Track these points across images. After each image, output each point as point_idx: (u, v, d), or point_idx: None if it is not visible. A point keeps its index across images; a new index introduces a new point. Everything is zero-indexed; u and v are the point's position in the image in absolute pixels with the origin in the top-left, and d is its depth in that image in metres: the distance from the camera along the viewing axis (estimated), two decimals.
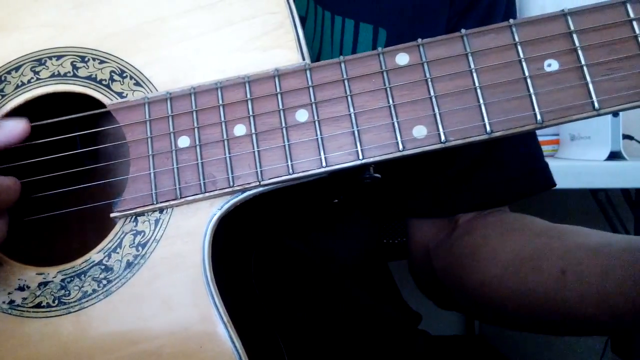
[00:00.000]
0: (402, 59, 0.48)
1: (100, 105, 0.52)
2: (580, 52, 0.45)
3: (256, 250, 0.61)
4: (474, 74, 0.47)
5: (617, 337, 1.55)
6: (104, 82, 0.52)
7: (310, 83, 0.49)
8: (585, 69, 0.45)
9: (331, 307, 0.69)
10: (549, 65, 0.46)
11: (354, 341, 0.70)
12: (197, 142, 0.50)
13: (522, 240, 0.65)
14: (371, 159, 0.48)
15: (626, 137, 1.24)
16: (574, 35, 0.46)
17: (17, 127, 0.50)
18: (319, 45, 0.67)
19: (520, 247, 0.64)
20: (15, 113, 0.53)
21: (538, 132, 1.35)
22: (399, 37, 0.66)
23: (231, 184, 0.49)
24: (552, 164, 1.26)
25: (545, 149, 1.35)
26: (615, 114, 1.18)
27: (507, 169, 0.73)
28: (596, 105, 0.45)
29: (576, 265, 0.57)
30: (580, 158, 1.23)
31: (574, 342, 1.70)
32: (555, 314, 0.59)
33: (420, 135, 0.47)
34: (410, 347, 0.73)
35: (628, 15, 0.45)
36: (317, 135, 0.48)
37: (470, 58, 0.47)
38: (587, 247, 0.59)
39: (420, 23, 0.70)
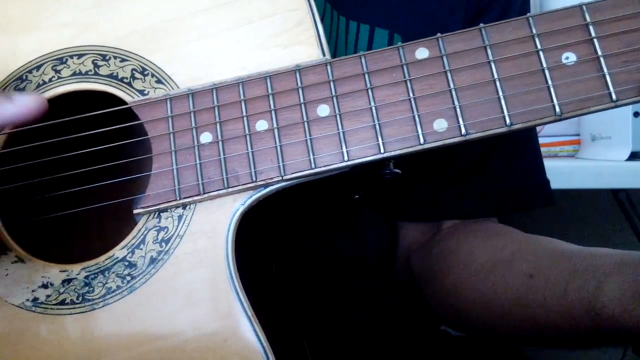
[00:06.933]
0: (422, 53, 0.51)
1: (122, 103, 0.54)
2: (596, 43, 0.48)
3: (277, 248, 0.62)
4: (493, 66, 0.49)
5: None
6: (125, 80, 0.55)
7: (331, 77, 0.52)
8: (602, 60, 0.47)
9: (352, 306, 0.71)
10: (567, 57, 0.48)
11: (375, 340, 0.72)
12: (220, 138, 0.52)
13: (497, 245, 0.68)
14: (392, 153, 0.50)
15: None
16: (590, 27, 0.48)
17: (30, 102, 0.50)
18: (334, 49, 0.69)
19: (493, 252, 0.67)
20: None
21: (559, 131, 1.38)
22: None
23: (254, 179, 0.51)
24: (573, 165, 1.29)
25: (566, 149, 1.39)
26: (637, 114, 1.20)
27: (503, 181, 0.75)
28: (614, 96, 0.47)
29: (545, 269, 0.59)
30: (601, 158, 1.25)
31: None
32: (520, 319, 0.61)
33: (440, 129, 0.49)
34: (431, 347, 0.75)
35: None
36: (338, 130, 0.51)
37: (489, 50, 0.49)
38: (557, 252, 0.60)
39: (435, 29, 0.72)
